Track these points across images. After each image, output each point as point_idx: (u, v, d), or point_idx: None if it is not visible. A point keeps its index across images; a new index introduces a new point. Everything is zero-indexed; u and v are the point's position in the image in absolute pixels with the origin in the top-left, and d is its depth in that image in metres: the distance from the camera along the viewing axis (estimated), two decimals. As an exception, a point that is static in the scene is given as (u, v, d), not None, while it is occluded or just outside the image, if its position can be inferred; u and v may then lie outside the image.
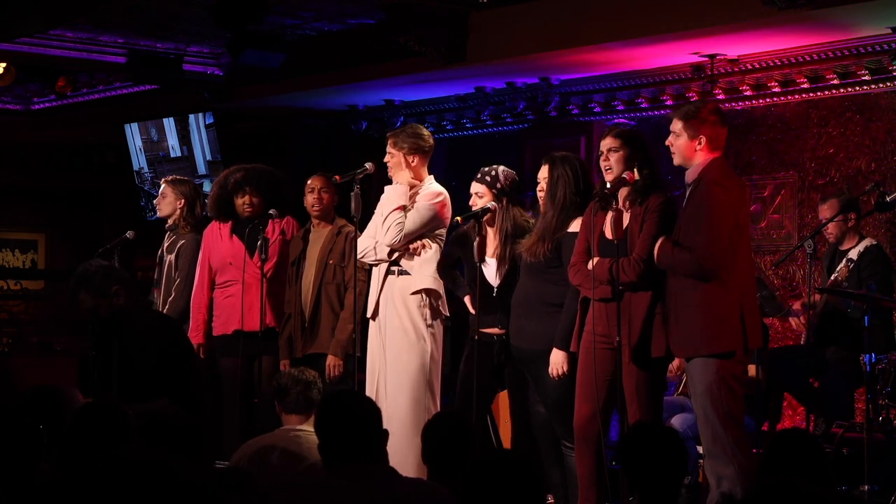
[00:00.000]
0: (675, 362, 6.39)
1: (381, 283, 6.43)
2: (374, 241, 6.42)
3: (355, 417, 3.83)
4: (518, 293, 6.01)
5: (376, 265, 6.47)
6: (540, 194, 6.03)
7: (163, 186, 7.76)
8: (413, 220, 6.36)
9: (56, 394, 4.71)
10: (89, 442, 4.06)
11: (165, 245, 7.64)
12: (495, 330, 6.15)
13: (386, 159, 6.51)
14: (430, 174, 6.54)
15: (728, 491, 5.22)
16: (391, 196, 6.42)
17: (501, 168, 6.25)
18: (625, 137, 5.59)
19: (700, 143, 5.36)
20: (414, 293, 6.34)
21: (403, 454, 6.09)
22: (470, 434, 4.59)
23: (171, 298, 7.44)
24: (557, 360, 5.77)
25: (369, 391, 6.41)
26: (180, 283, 7.43)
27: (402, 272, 6.38)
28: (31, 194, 12.77)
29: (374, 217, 6.49)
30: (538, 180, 6.03)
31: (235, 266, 7.13)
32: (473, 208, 6.18)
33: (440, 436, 4.53)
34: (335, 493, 3.72)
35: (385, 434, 3.89)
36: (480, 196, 6.20)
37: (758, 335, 5.40)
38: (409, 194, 6.41)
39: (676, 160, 5.45)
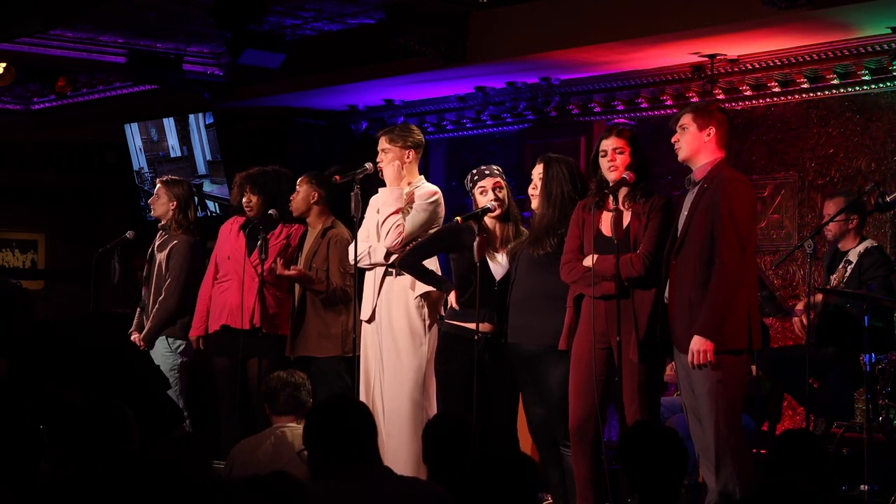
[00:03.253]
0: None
1: (378, 285, 6.42)
2: (368, 244, 6.40)
3: (346, 420, 3.84)
4: (519, 290, 5.96)
5: (371, 269, 6.47)
6: (533, 192, 6.03)
7: (157, 186, 7.76)
8: (412, 221, 6.35)
9: (56, 395, 4.70)
10: (90, 442, 4.06)
11: (157, 243, 7.66)
12: (483, 325, 6.00)
13: (379, 158, 6.49)
14: (420, 174, 6.55)
15: (727, 491, 5.22)
16: (388, 199, 6.39)
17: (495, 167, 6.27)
18: (629, 139, 5.61)
19: (708, 136, 5.37)
20: (417, 296, 6.34)
21: (403, 454, 6.10)
22: (470, 434, 4.59)
23: (161, 298, 7.45)
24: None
25: (364, 393, 6.40)
26: (171, 283, 7.44)
27: (400, 272, 6.38)
28: (31, 194, 12.76)
29: (365, 221, 6.47)
30: (532, 177, 6.03)
31: (234, 260, 7.18)
32: (490, 203, 6.11)
33: (440, 436, 4.53)
34: (332, 492, 3.72)
35: (375, 434, 3.90)
36: (501, 188, 6.14)
37: (760, 335, 5.40)
38: (404, 196, 6.40)
39: (682, 155, 5.43)
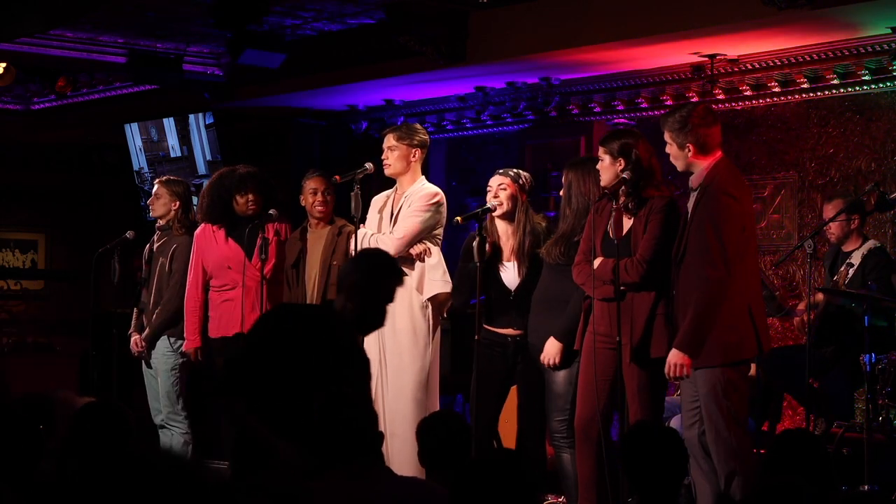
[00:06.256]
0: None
1: None
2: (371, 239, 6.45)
3: (351, 418, 3.84)
4: (538, 291, 6.07)
5: None
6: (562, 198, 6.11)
7: (156, 187, 7.69)
8: (413, 222, 6.36)
9: (46, 401, 4.68)
10: (91, 442, 4.06)
11: (156, 245, 7.59)
12: (509, 330, 6.17)
13: (385, 156, 6.50)
14: (422, 175, 6.57)
15: (727, 491, 5.22)
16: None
17: (520, 170, 6.28)
18: (606, 146, 5.66)
19: (689, 151, 5.37)
20: (425, 299, 6.36)
21: (405, 455, 6.10)
22: (468, 433, 4.59)
23: (164, 300, 7.41)
24: (551, 350, 5.86)
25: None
26: (174, 284, 7.40)
27: (405, 272, 6.41)
28: (31, 194, 12.76)
29: (367, 221, 6.50)
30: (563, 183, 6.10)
31: (235, 270, 7.10)
32: (491, 202, 6.15)
33: (437, 436, 4.53)
34: (332, 492, 3.72)
35: (380, 434, 3.89)
36: (504, 188, 6.17)
37: (768, 336, 5.42)
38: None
39: (679, 167, 5.48)
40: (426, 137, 6.56)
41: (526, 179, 6.22)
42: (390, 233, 6.43)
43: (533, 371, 6.13)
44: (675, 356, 5.25)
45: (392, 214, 6.52)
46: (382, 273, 4.92)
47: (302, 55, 9.14)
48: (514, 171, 6.26)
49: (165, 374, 7.36)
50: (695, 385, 5.35)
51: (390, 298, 4.92)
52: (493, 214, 6.16)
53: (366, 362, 4.63)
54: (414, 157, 6.48)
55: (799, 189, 8.37)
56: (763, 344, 5.33)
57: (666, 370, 5.28)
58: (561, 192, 6.11)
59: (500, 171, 6.27)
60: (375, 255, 5.41)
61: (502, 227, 6.21)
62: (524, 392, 6.28)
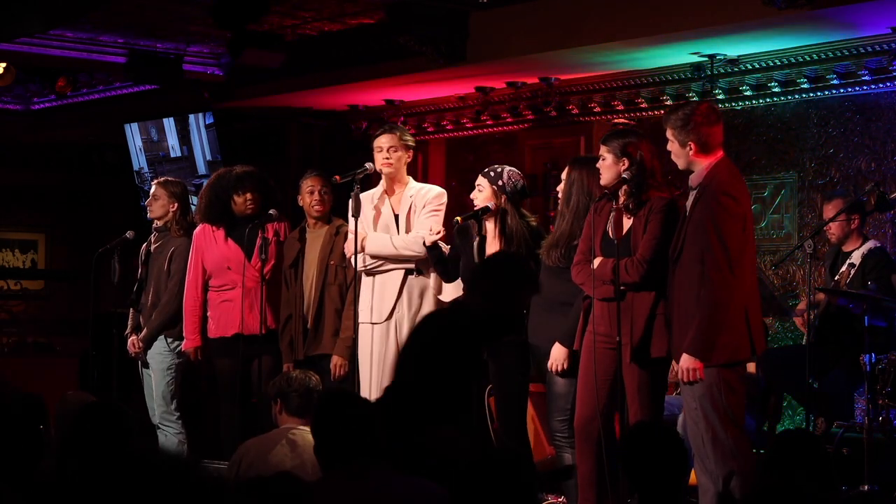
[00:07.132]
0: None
1: (400, 285, 6.48)
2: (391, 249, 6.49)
3: (351, 417, 3.84)
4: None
5: (385, 272, 6.53)
6: (559, 194, 6.08)
7: (154, 188, 7.68)
8: (437, 222, 6.48)
9: (35, 402, 4.67)
10: (91, 442, 4.06)
11: (154, 246, 7.59)
12: None
13: (387, 156, 6.54)
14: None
15: (726, 491, 5.22)
16: (380, 247, 6.49)
17: (508, 168, 6.26)
18: (609, 145, 5.64)
19: (690, 149, 5.36)
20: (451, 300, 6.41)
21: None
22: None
23: (163, 301, 7.41)
24: (558, 356, 5.82)
25: (364, 394, 6.42)
26: (173, 286, 7.40)
27: (420, 272, 6.46)
28: (31, 194, 12.76)
29: (361, 221, 6.51)
30: (562, 180, 6.08)
31: (235, 270, 7.10)
32: (474, 201, 6.21)
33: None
34: (332, 492, 3.72)
35: (378, 430, 3.90)
36: (481, 190, 6.20)
37: (762, 338, 5.41)
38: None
39: (679, 165, 5.47)
40: (413, 142, 6.76)
41: (509, 179, 6.19)
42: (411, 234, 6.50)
43: (510, 373, 6.09)
44: (686, 361, 5.24)
45: (395, 216, 6.57)
46: (518, 282, 4.92)
47: (302, 55, 9.14)
48: (497, 170, 6.23)
49: (160, 374, 7.37)
50: (690, 387, 5.35)
51: (524, 306, 4.94)
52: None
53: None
54: (409, 159, 6.66)
55: (799, 189, 8.37)
56: (756, 346, 5.32)
57: (680, 376, 5.27)
58: (559, 188, 6.08)
59: (486, 169, 6.27)
60: (511, 263, 5.43)
61: (490, 226, 6.22)
62: (498, 395, 6.24)
